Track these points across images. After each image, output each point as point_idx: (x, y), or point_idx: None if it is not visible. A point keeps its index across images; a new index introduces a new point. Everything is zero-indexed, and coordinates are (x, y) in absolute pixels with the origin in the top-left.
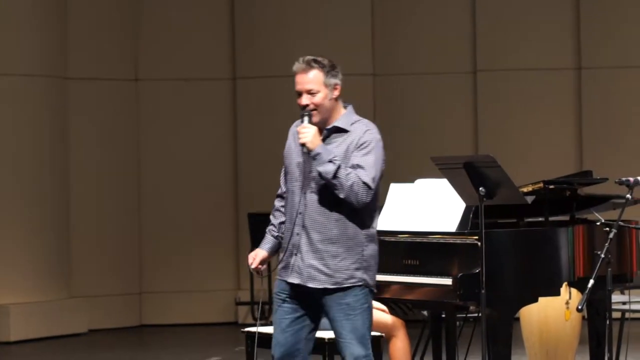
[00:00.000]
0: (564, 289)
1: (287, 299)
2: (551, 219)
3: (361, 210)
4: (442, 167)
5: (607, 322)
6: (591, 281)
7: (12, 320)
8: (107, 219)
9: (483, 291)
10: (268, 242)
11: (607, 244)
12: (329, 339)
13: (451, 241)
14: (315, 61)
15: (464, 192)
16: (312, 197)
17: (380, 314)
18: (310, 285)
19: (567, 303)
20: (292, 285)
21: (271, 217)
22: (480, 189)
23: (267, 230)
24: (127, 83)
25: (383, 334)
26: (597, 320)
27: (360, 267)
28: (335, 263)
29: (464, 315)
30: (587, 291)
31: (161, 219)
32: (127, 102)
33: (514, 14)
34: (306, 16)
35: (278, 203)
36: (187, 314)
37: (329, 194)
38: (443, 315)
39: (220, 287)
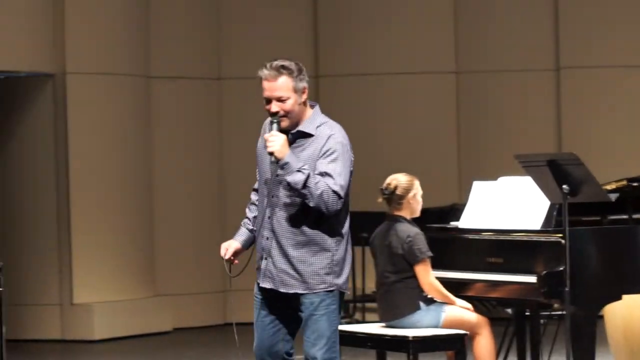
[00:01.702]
0: None
1: (264, 301)
2: (634, 216)
3: (330, 217)
4: (525, 165)
5: None
6: None
7: (97, 319)
8: (190, 218)
9: (567, 289)
10: (242, 234)
11: None
12: (413, 337)
13: (535, 239)
14: (284, 67)
15: (548, 189)
16: (280, 202)
17: (465, 312)
18: (282, 290)
19: None
20: (265, 288)
21: (247, 210)
22: (564, 186)
23: (242, 222)
24: (209, 82)
25: (467, 332)
26: None
27: (330, 272)
28: (304, 268)
29: (548, 313)
30: None
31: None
32: (209, 101)
33: (597, 10)
34: (388, 14)
35: (254, 197)
36: None
37: (297, 200)
38: (527, 313)
39: None
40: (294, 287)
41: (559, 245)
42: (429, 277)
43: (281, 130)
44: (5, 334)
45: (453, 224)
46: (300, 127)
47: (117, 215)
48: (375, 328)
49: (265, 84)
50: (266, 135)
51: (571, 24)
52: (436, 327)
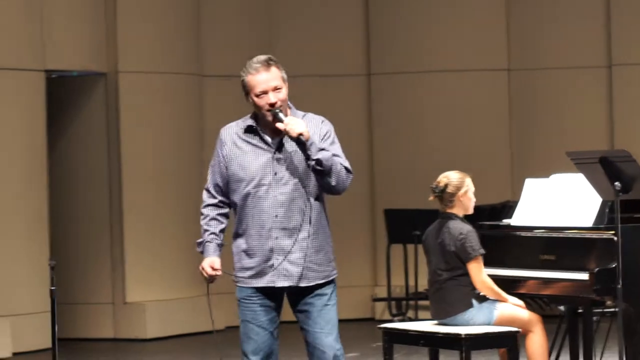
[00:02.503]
0: None
1: (259, 301)
2: None
3: (324, 202)
4: (577, 162)
5: None
6: None
7: (149, 318)
8: None
9: (619, 286)
10: (216, 249)
11: None
12: (465, 335)
13: (587, 236)
14: (271, 59)
15: (600, 186)
16: (285, 198)
17: (517, 309)
18: (303, 284)
19: None
20: (260, 288)
21: (207, 226)
22: (616, 183)
23: (209, 239)
24: None
25: (520, 330)
26: None
27: (333, 257)
28: (321, 258)
29: (601, 310)
30: None
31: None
32: None
33: None
34: (440, 11)
35: (213, 212)
36: None
37: (300, 192)
38: (579, 311)
39: (357, 284)
40: (314, 279)
41: (611, 242)
42: (481, 274)
43: (253, 131)
44: (57, 332)
45: (505, 221)
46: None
47: (170, 213)
48: (427, 326)
49: (258, 77)
50: (285, 121)
51: (623, 20)
52: (489, 324)
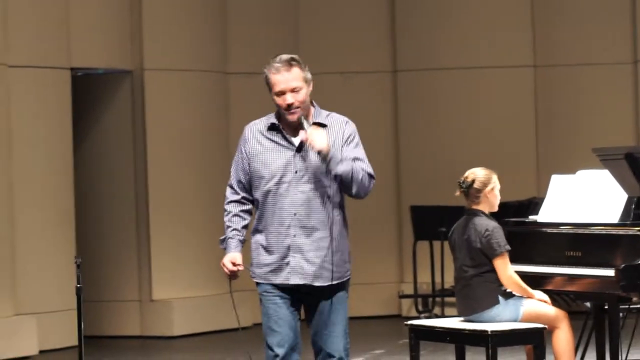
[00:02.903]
0: None
1: (279, 297)
2: None
3: (344, 203)
4: (603, 159)
5: None
6: None
7: (176, 315)
8: None
9: None
10: (237, 245)
11: None
12: (492, 332)
13: (613, 232)
14: (293, 59)
15: (625, 183)
16: (305, 197)
17: (544, 306)
18: (317, 284)
19: None
20: (277, 284)
21: (229, 222)
22: None
23: (230, 235)
24: None
25: (546, 326)
26: None
27: (349, 259)
28: (337, 259)
29: (627, 306)
30: None
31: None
32: None
33: None
34: (466, 7)
35: (236, 208)
36: (350, 307)
37: (320, 191)
38: (606, 307)
39: (383, 280)
40: (329, 279)
41: (637, 239)
42: (507, 270)
43: (275, 128)
44: (84, 330)
45: (532, 217)
46: (316, 119)
47: (196, 210)
48: (454, 322)
49: (278, 77)
50: (309, 132)
51: None
52: (515, 321)
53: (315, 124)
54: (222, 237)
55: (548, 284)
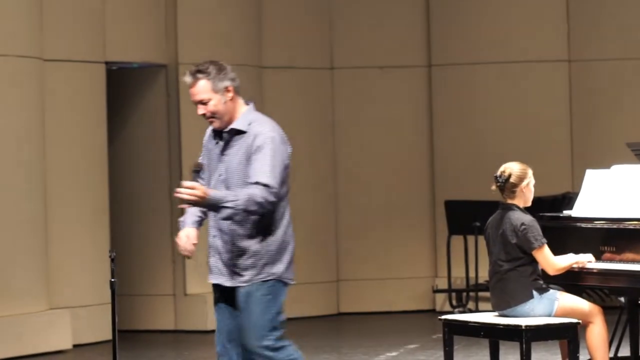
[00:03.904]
0: None
1: (221, 297)
2: None
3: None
4: (638, 153)
5: None
6: None
7: (210, 310)
8: (303, 208)
9: None
10: (193, 214)
11: None
12: (526, 326)
13: None
14: (199, 71)
15: None
16: None
17: (578, 300)
18: (228, 284)
19: None
20: (216, 284)
21: None
22: None
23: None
24: (322, 71)
25: (580, 321)
26: None
27: (268, 262)
28: (243, 261)
29: None
30: None
31: (357, 207)
32: (322, 91)
33: None
34: (500, 3)
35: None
36: (384, 301)
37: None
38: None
39: (418, 275)
40: (236, 282)
41: None
42: (549, 260)
43: (215, 130)
44: (118, 324)
45: (566, 212)
46: (234, 125)
47: None
48: (487, 317)
49: (190, 89)
50: (185, 187)
51: None
52: (549, 315)
53: (232, 130)
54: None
55: (582, 280)
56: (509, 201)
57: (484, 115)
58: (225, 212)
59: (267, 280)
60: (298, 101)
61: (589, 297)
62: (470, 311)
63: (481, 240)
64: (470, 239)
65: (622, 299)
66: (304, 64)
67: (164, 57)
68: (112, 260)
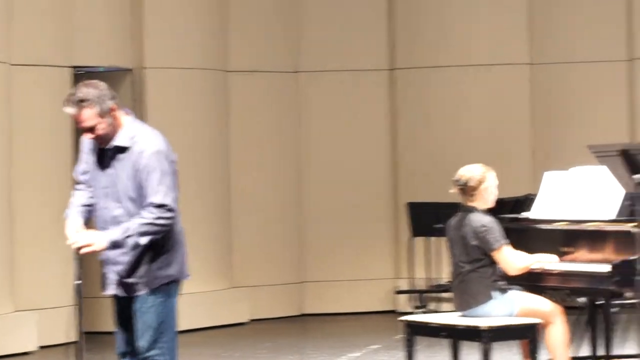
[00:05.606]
0: None
1: (117, 307)
2: None
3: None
4: (599, 156)
5: None
6: None
7: (180, 310)
8: (268, 210)
9: (639, 278)
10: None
11: None
12: (485, 327)
13: (607, 228)
14: (82, 100)
15: (623, 179)
16: (110, 214)
17: (538, 301)
18: (120, 294)
19: None
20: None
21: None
22: (635, 176)
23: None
24: (287, 75)
25: (541, 321)
26: None
27: (160, 266)
28: (130, 270)
29: (620, 302)
30: None
31: (321, 209)
32: (287, 94)
33: None
34: (462, 6)
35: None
36: (347, 303)
37: (125, 210)
38: (599, 302)
39: (380, 276)
40: (133, 291)
41: (632, 235)
42: (509, 261)
43: (100, 149)
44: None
45: (524, 214)
46: (116, 142)
47: (195, 207)
48: (449, 318)
49: (74, 118)
50: (80, 241)
51: None
52: (510, 316)
53: (115, 147)
54: None
55: (543, 280)
56: (469, 203)
57: (446, 118)
58: (130, 243)
59: (163, 285)
60: (264, 105)
61: (549, 298)
62: (432, 312)
63: (443, 241)
64: (433, 240)
65: (582, 300)
66: (269, 68)
67: (130, 61)
68: (78, 261)
